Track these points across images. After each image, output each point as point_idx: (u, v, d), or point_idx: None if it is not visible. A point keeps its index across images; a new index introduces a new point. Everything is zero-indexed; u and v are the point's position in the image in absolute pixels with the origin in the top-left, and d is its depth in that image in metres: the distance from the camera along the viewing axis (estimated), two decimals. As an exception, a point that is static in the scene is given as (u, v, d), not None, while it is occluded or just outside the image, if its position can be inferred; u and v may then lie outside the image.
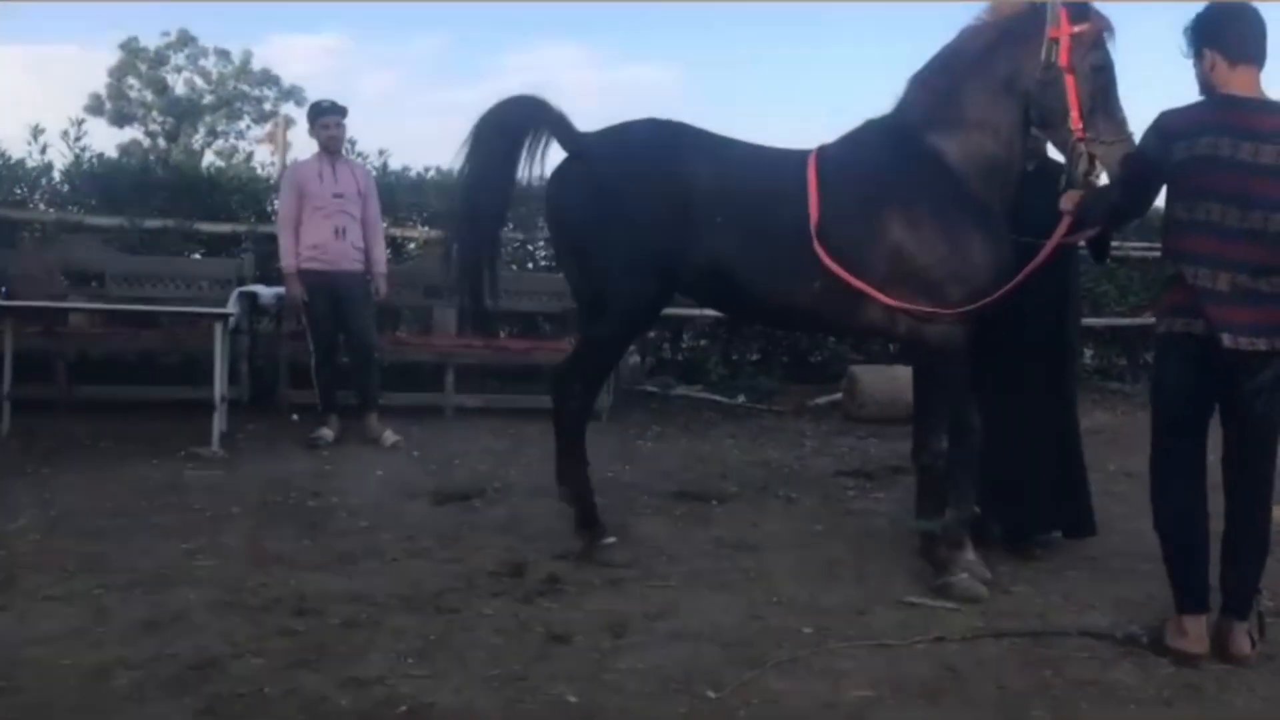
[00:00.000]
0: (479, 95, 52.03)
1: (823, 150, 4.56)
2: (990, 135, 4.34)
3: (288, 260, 6.95)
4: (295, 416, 7.70)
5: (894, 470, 6.85)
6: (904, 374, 8.86)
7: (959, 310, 4.28)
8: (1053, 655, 3.70)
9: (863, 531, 5.39)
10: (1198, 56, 3.69)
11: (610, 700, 3.23)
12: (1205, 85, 3.69)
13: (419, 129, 48.57)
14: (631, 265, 4.46)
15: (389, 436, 7.07)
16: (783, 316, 5.13)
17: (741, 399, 9.43)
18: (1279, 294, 3.54)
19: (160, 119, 37.44)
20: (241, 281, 8.04)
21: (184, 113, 37.65)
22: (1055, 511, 5.00)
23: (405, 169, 9.33)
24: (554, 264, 9.53)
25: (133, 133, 36.32)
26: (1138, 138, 3.99)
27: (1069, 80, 4.13)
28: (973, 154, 4.36)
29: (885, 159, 4.45)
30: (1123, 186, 4.01)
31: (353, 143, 8.98)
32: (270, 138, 13.07)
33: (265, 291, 7.70)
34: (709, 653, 3.64)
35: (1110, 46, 4.21)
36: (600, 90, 52.15)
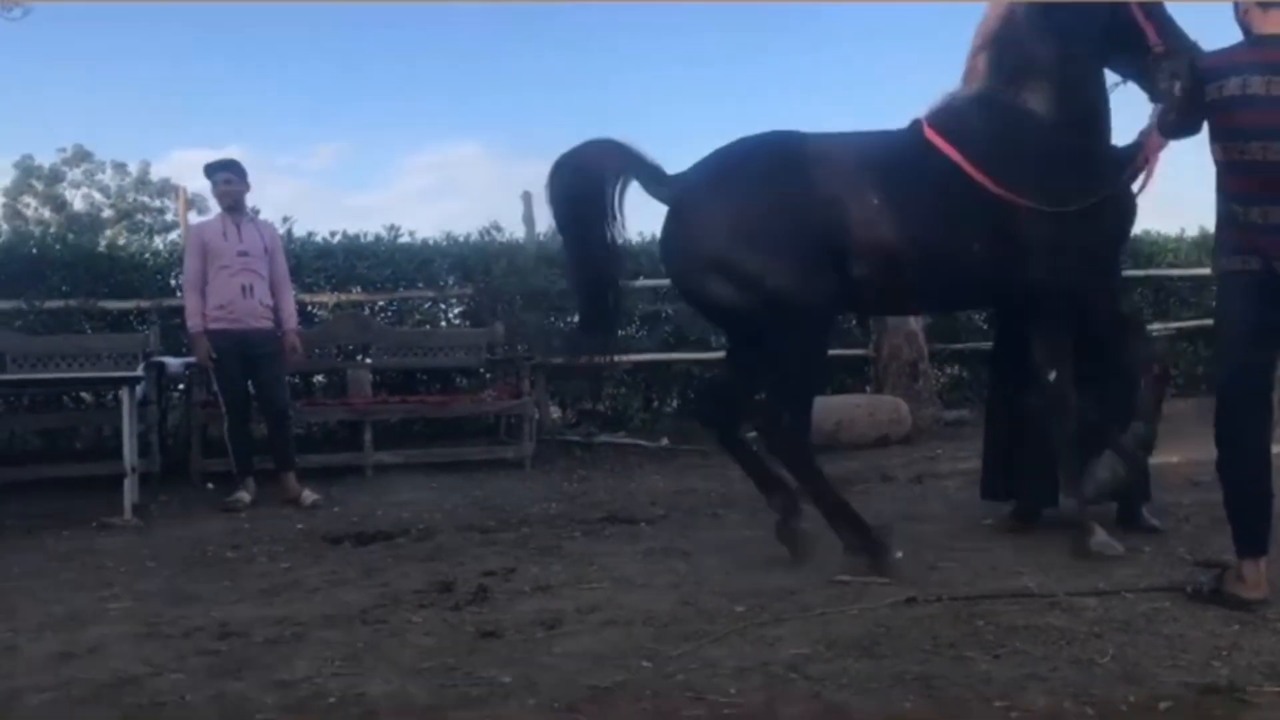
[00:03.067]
0: (384, 197, 52.25)
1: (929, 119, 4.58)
2: (1074, 86, 4.44)
3: (194, 320, 6.84)
4: (210, 485, 7.50)
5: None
6: (822, 403, 9.02)
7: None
8: (984, 610, 3.71)
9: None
10: (1234, 2, 3.75)
11: (546, 677, 3.17)
12: (1243, 28, 3.75)
13: (324, 233, 48.40)
14: (805, 270, 4.28)
15: (308, 495, 6.90)
16: (953, 287, 4.77)
17: (665, 441, 9.41)
18: None
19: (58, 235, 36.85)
20: (147, 355, 7.89)
21: (84, 228, 37.18)
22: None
23: (310, 234, 9.29)
24: (468, 319, 9.57)
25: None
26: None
27: (1133, 6, 4.30)
28: (1067, 106, 4.44)
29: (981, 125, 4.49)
30: (1179, 102, 3.91)
31: (256, 211, 8.94)
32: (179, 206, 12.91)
33: (173, 361, 7.57)
34: (643, 634, 3.60)
35: None
36: (497, 186, 52.59)
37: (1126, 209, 4.66)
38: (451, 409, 8.30)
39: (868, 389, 10.22)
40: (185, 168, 51.46)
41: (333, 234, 9.39)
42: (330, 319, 8.80)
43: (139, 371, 7.23)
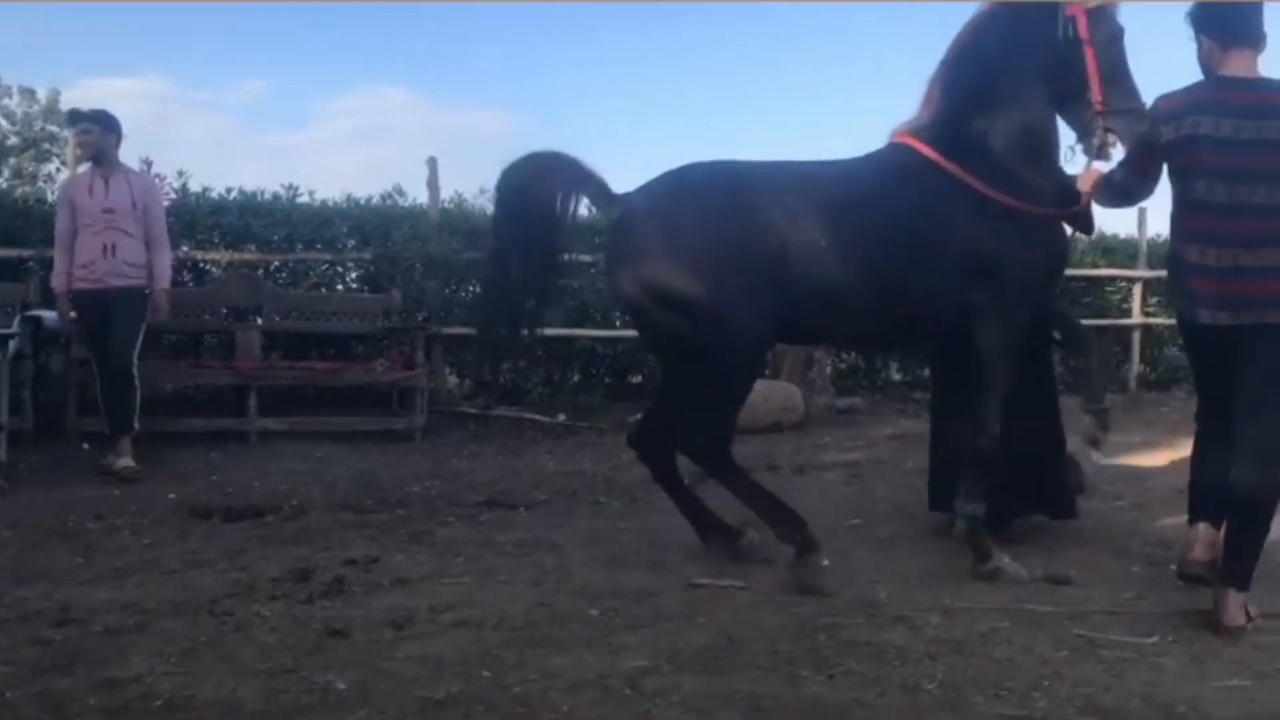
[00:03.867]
0: (308, 138, 51.12)
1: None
2: (1025, 116, 4.47)
3: (57, 280, 6.66)
4: (86, 445, 7.31)
5: (705, 475, 6.93)
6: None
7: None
8: (828, 622, 3.78)
9: (666, 526, 5.40)
10: (1196, 42, 3.84)
11: (381, 685, 3.15)
12: (1205, 68, 3.83)
13: (246, 174, 47.34)
14: (742, 297, 4.26)
15: (126, 463, 6.62)
16: (890, 320, 4.73)
17: (562, 417, 9.39)
18: (1265, 267, 3.62)
19: (-38, 159, 35.55)
20: (26, 307, 7.64)
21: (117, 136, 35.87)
22: (1039, 496, 5.12)
23: (206, 190, 9.04)
24: (364, 285, 9.42)
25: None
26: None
27: (1089, 53, 4.31)
28: (1015, 136, 4.47)
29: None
30: (1125, 166, 4.11)
31: (149, 162, 8.69)
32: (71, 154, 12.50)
33: (51, 315, 7.32)
34: (492, 638, 3.60)
35: (1120, 19, 4.41)
36: (426, 133, 51.71)
37: (1061, 245, 4.71)
38: (342, 377, 8.20)
39: (766, 373, 10.29)
40: (99, 96, 49.81)
41: (229, 190, 9.16)
42: (221, 278, 8.60)
43: (14, 326, 6.99)
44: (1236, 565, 3.78)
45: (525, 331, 4.80)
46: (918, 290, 4.47)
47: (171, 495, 6.09)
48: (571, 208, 4.53)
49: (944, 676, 3.27)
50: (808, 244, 4.31)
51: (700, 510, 4.84)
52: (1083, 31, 4.33)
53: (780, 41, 53.99)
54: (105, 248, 6.66)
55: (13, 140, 36.35)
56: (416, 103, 53.53)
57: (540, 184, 4.46)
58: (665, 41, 53.96)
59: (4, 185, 34.92)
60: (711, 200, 4.39)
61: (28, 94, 36.88)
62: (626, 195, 4.55)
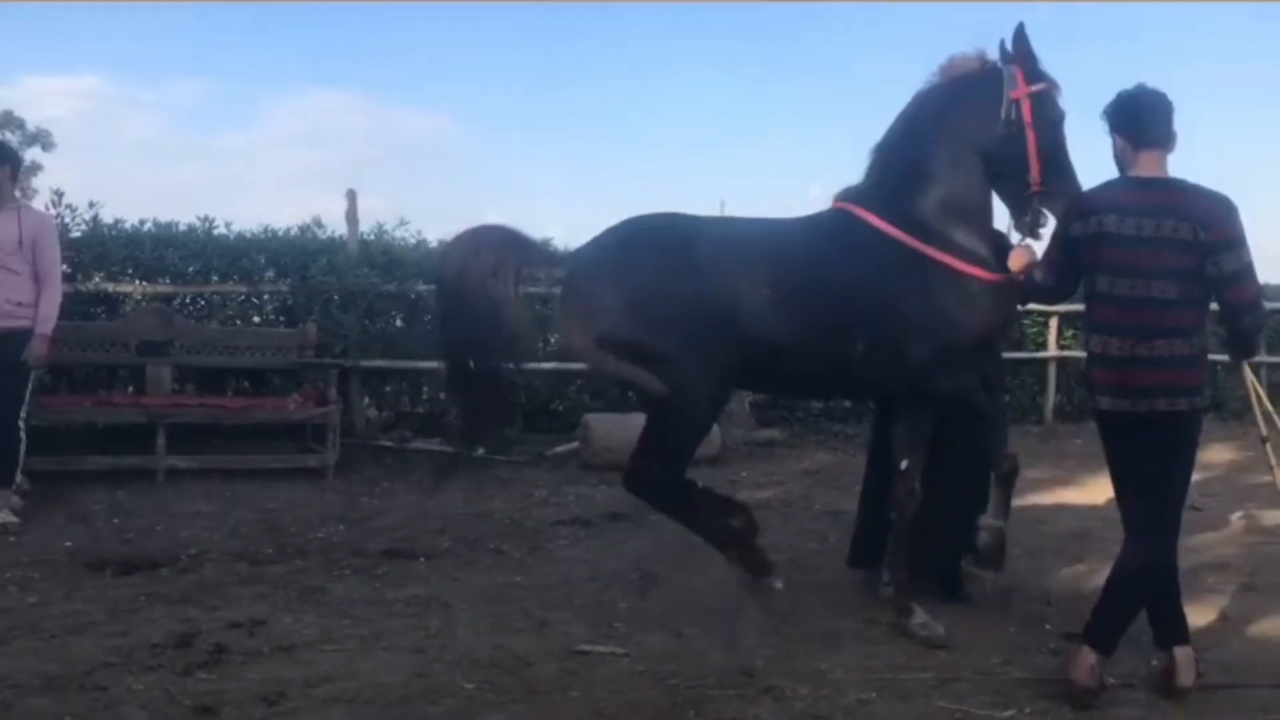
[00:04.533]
0: (248, 141, 50.56)
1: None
2: (960, 190, 4.59)
3: None
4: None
5: (612, 517, 7.02)
6: (635, 421, 9.11)
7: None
8: (698, 695, 3.86)
9: (562, 580, 5.47)
10: (1111, 139, 3.99)
11: (240, 771, 3.18)
12: (1118, 165, 3.99)
13: (186, 175, 46.77)
14: (694, 358, 4.34)
15: (3, 516, 6.37)
16: (829, 378, 4.91)
17: (480, 451, 9.39)
18: (1157, 358, 3.78)
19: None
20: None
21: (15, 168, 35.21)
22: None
23: (118, 221, 8.94)
24: (281, 317, 9.36)
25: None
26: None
27: (1030, 137, 4.46)
28: (948, 209, 4.58)
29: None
30: (1045, 266, 4.25)
31: (60, 193, 8.61)
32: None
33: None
34: (364, 714, 3.64)
35: (1059, 100, 4.58)
36: (368, 136, 51.48)
37: (1002, 308, 4.77)
38: (252, 414, 8.14)
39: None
40: (34, 94, 48.90)
41: (142, 221, 9.05)
42: (132, 312, 8.51)
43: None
44: (1103, 628, 3.95)
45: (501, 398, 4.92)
46: (855, 347, 4.55)
47: (68, 543, 6.03)
48: (513, 279, 4.44)
49: (798, 759, 3.35)
50: (752, 299, 4.40)
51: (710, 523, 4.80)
52: (1026, 115, 4.51)
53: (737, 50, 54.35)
54: None
55: (-59, 143, 35.65)
56: (358, 105, 53.25)
57: (477, 268, 4.37)
58: (622, 50, 54.18)
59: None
60: (660, 255, 4.46)
61: (-44, 95, 36.26)
62: (574, 252, 4.66)
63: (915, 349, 4.54)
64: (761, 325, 4.42)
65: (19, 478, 6.63)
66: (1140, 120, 3.93)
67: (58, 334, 6.81)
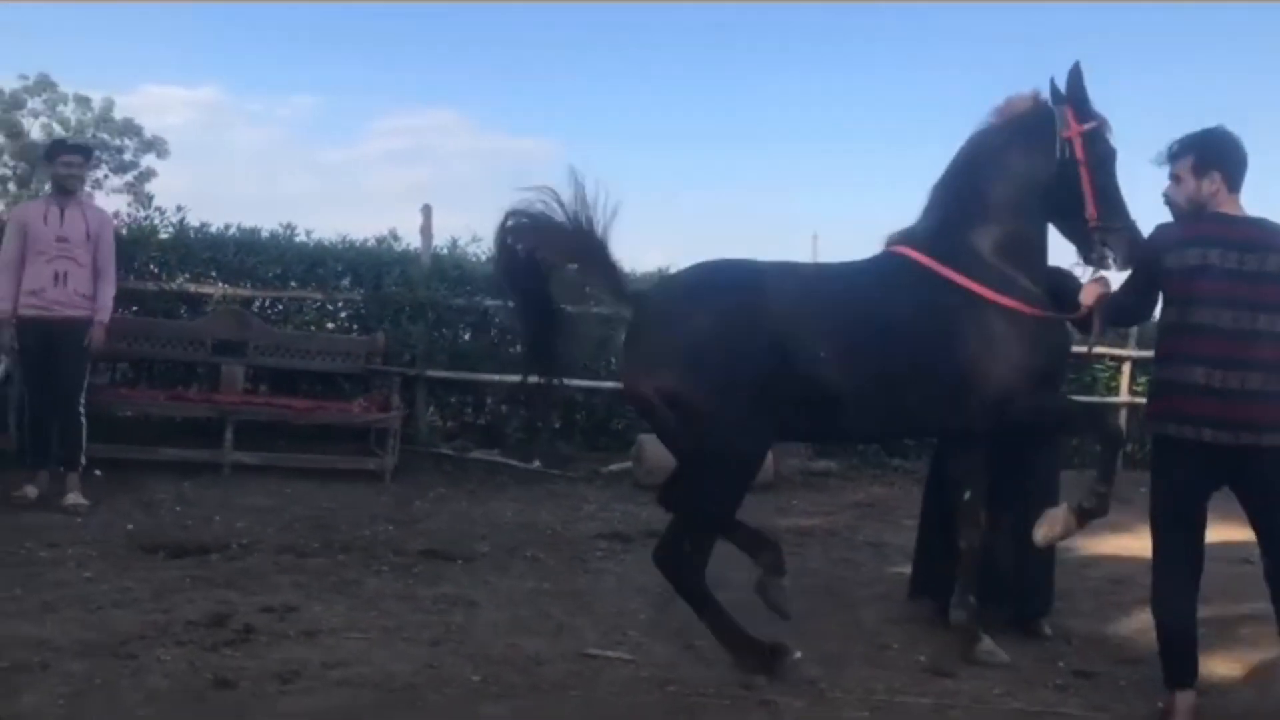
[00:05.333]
0: (352, 155, 51.98)
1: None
2: (1016, 229, 4.71)
3: (2, 305, 6.82)
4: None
5: (651, 534, 7.10)
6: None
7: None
8: (694, 702, 3.97)
9: (588, 589, 5.62)
10: (1202, 175, 4.02)
11: (242, 739, 3.38)
12: (1195, 200, 4.04)
13: (292, 187, 48.35)
14: (738, 415, 4.33)
15: (73, 498, 6.81)
16: (892, 423, 4.94)
17: (537, 464, 9.62)
18: (1258, 391, 3.84)
19: (12, 164, 36.52)
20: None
21: (38, 158, 36.85)
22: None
23: (204, 225, 9.38)
24: (353, 325, 9.70)
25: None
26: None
27: (1084, 174, 4.58)
28: (1004, 248, 4.68)
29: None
30: (1128, 290, 4.36)
31: (150, 196, 9.05)
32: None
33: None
34: (367, 698, 3.82)
35: (1110, 138, 4.70)
36: (473, 156, 52.61)
37: (1058, 345, 4.84)
38: (317, 416, 8.46)
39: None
40: (153, 103, 50.94)
41: (227, 226, 9.51)
42: (210, 313, 8.91)
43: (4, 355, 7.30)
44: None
45: (549, 380, 4.87)
46: (919, 393, 4.61)
47: (130, 526, 6.37)
48: (564, 282, 4.64)
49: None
50: (813, 352, 4.41)
51: (749, 534, 4.84)
52: (1079, 154, 4.61)
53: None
54: (57, 275, 6.83)
55: (66, 146, 37.26)
56: (461, 125, 54.43)
57: (546, 251, 4.51)
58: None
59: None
60: (723, 309, 4.45)
61: (83, 101, 37.96)
62: (641, 295, 4.72)
63: (971, 390, 4.58)
64: (821, 377, 4.42)
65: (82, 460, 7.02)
66: (1239, 164, 4.02)
67: (116, 325, 7.23)
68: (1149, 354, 11.51)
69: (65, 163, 7.08)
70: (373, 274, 9.60)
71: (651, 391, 4.42)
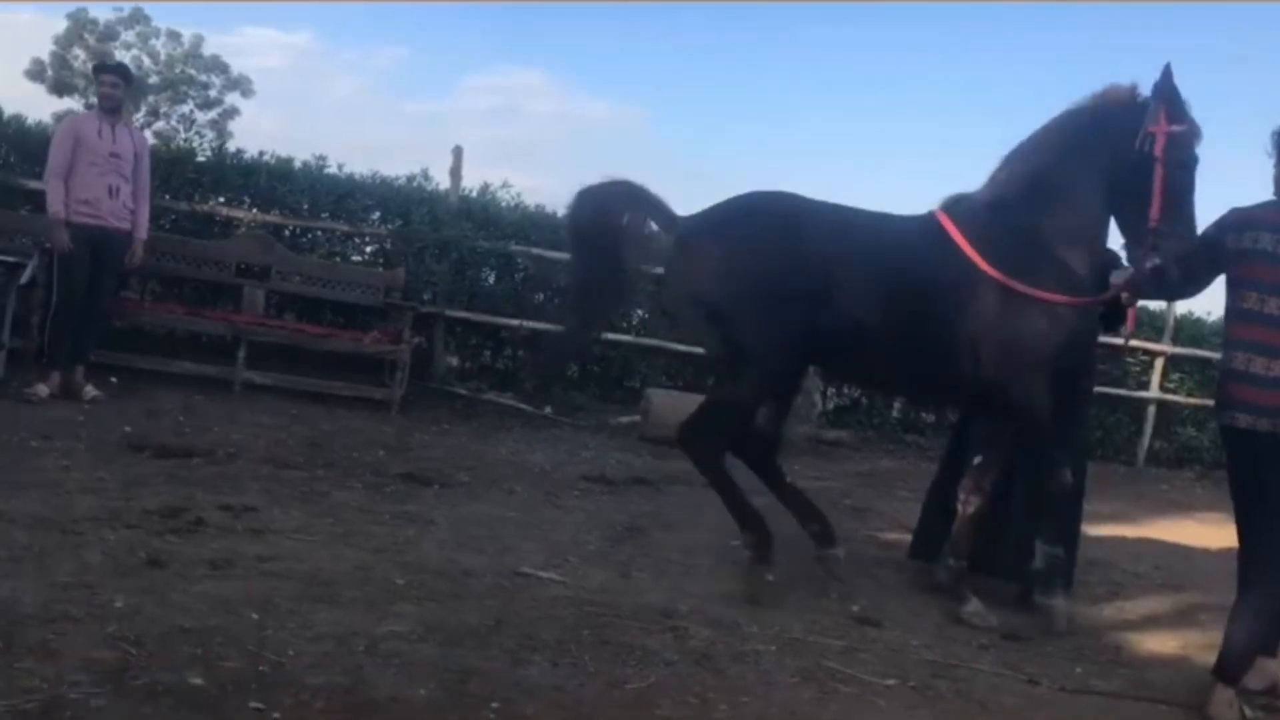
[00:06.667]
0: (440, 109, 52.45)
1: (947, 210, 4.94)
2: (1073, 210, 4.77)
3: (57, 207, 7.13)
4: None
5: (637, 480, 7.24)
6: (695, 401, 9.30)
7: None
8: (604, 621, 4.06)
9: (550, 521, 5.73)
10: (1276, 161, 4.09)
11: (152, 609, 3.54)
12: (1277, 188, 4.10)
13: (381, 137, 48.98)
14: (768, 333, 4.67)
15: (89, 391, 7.24)
16: (911, 375, 5.12)
17: (548, 410, 9.75)
18: None
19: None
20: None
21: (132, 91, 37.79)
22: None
23: (240, 151, 9.63)
24: (379, 259, 9.89)
25: (71, 103, 36.18)
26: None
27: (1158, 172, 4.56)
28: (1062, 226, 4.76)
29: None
30: (1179, 264, 4.39)
31: (192, 120, 9.30)
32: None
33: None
34: (289, 588, 3.96)
35: (1197, 150, 4.64)
36: (558, 120, 52.82)
37: (1079, 332, 4.89)
38: (328, 343, 8.66)
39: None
40: (248, 44, 51.84)
41: (261, 154, 9.74)
42: (237, 236, 9.14)
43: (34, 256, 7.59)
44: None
45: (590, 331, 5.51)
46: (923, 353, 4.78)
47: (127, 428, 6.60)
48: (637, 228, 4.98)
49: (657, 679, 3.53)
50: (841, 288, 4.67)
51: (801, 500, 5.22)
52: (1158, 151, 4.58)
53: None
54: (110, 189, 7.27)
55: (154, 79, 38.17)
56: (551, 87, 54.66)
57: (606, 211, 4.94)
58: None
59: (139, 122, 36.75)
60: (762, 232, 4.80)
61: (174, 37, 38.74)
62: (687, 217, 5.01)
63: (967, 362, 4.70)
64: (847, 311, 4.66)
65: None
66: None
67: (153, 242, 7.58)
68: (1184, 351, 11.42)
69: (104, 82, 7.47)
70: (401, 211, 9.77)
71: (690, 303, 4.90)
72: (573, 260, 5.25)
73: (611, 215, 4.92)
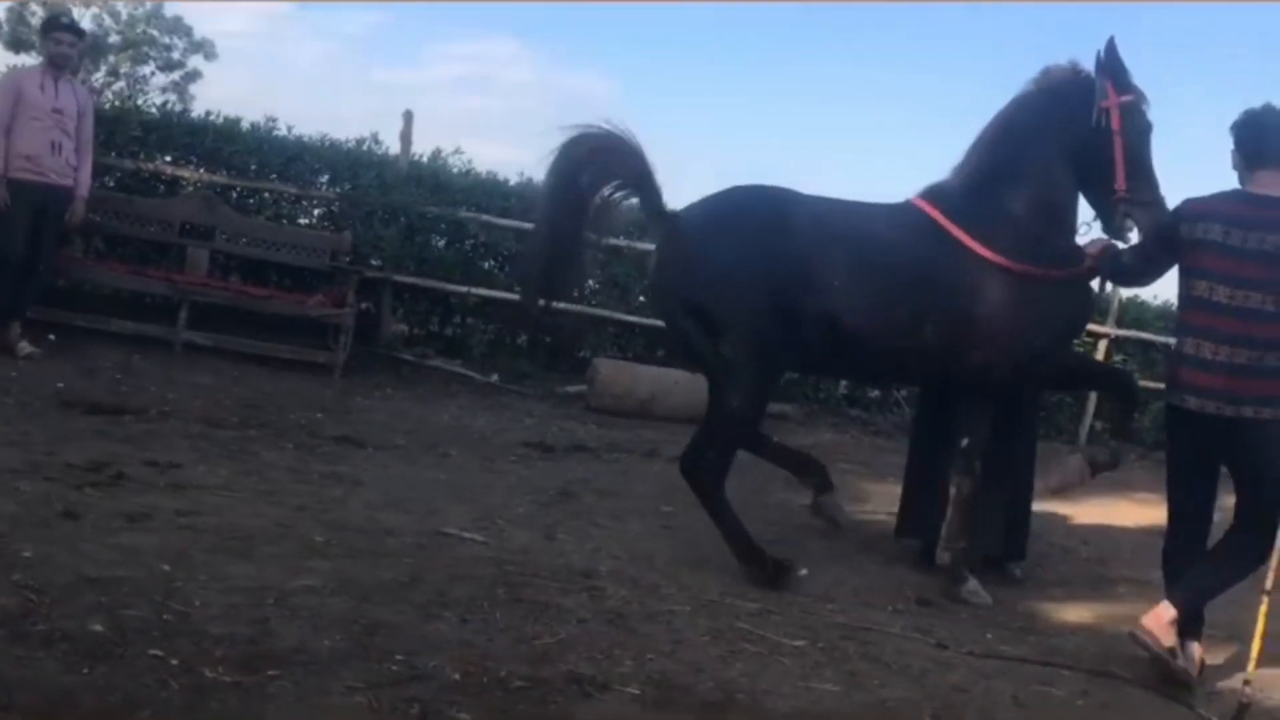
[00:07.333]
0: (411, 78, 51.89)
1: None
2: (1044, 192, 4.84)
3: None
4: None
5: (576, 448, 7.27)
6: (642, 371, 9.37)
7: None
8: (521, 581, 4.09)
9: (482, 485, 5.74)
10: (1231, 154, 4.21)
11: (64, 559, 3.53)
12: (1239, 179, 4.21)
13: (349, 106, 48.33)
14: (759, 331, 4.64)
15: (24, 347, 7.17)
16: (903, 363, 5.14)
17: (495, 378, 9.73)
18: (1251, 367, 3.99)
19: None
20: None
21: (85, 49, 37.12)
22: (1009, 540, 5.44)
23: (185, 110, 9.51)
24: (327, 223, 9.82)
25: (29, 60, 35.44)
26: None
27: (1118, 144, 4.67)
28: (1028, 210, 4.82)
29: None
30: (1136, 252, 4.59)
31: (139, 79, 9.16)
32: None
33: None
34: (204, 542, 3.96)
35: (1147, 112, 4.79)
36: (532, 90, 52.28)
37: (1074, 307, 5.02)
38: (270, 304, 8.60)
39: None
40: (217, 8, 51.00)
41: (208, 113, 9.62)
42: (182, 195, 9.05)
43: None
44: (1188, 595, 4.12)
45: (543, 301, 5.24)
46: (917, 338, 4.79)
47: (60, 384, 6.54)
48: (610, 197, 4.87)
49: (566, 636, 3.57)
50: (828, 280, 4.68)
51: (794, 456, 5.37)
52: (1115, 124, 4.70)
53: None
54: (53, 145, 7.21)
55: (114, 39, 37.53)
56: (526, 58, 54.24)
57: (590, 169, 4.76)
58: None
59: (98, 82, 36.19)
60: (751, 229, 4.76)
61: (137, -5, 38.04)
62: (675, 213, 4.97)
63: (962, 344, 4.77)
64: (832, 307, 4.67)
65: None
66: (1260, 139, 4.11)
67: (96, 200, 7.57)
68: (1128, 333, 11.57)
69: (57, 39, 7.37)
70: (350, 174, 9.70)
71: (680, 305, 4.79)
72: (541, 225, 5.01)
73: (590, 186, 4.76)
